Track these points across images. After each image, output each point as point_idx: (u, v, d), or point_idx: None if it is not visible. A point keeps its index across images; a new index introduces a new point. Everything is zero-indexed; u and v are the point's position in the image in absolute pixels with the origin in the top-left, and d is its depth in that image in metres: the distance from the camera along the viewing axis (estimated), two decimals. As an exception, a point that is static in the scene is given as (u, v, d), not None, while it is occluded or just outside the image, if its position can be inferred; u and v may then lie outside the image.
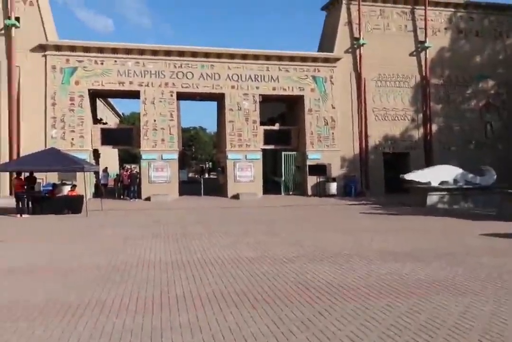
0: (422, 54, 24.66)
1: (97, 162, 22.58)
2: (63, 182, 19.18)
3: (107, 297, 5.50)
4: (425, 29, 24.41)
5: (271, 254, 8.19)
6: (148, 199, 20.67)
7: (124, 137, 21.99)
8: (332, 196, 22.09)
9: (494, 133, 25.52)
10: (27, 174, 16.26)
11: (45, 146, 18.83)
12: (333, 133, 23.07)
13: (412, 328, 4.35)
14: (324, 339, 4.10)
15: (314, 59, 23.02)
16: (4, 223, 13.58)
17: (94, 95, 22.84)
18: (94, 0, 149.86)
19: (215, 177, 39.63)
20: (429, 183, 17.87)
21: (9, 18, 19.80)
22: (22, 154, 18.80)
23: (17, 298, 5.47)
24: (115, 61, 20.99)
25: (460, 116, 24.98)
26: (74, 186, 17.27)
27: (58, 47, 20.44)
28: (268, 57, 22.54)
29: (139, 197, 21.03)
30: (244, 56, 22.28)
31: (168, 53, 21.52)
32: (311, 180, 22.70)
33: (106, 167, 24.31)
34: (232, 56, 22.18)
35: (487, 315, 4.73)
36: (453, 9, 25.45)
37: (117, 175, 25.63)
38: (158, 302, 5.25)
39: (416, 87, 24.48)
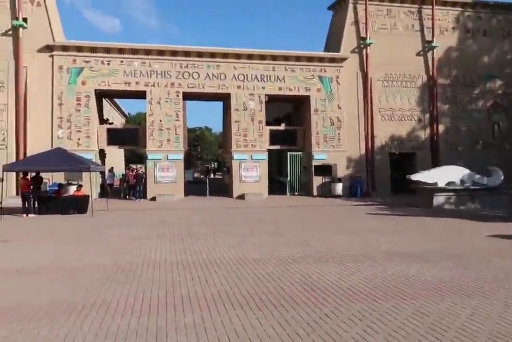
0: (429, 54, 24.51)
1: (103, 163, 22.67)
2: (69, 181, 19.26)
3: (113, 297, 5.50)
4: (433, 28, 24.26)
5: (277, 254, 8.17)
6: (153, 199, 20.71)
7: (130, 138, 22.06)
8: (338, 196, 22.01)
9: (502, 133, 25.33)
10: (33, 174, 16.35)
11: (52, 147, 18.92)
12: (339, 133, 22.99)
13: (420, 330, 4.30)
14: (330, 341, 4.07)
15: (321, 59, 22.96)
16: (10, 222, 13.66)
17: (101, 95, 22.93)
18: (102, 0, 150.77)
19: (220, 177, 39.67)
20: (436, 183, 17.74)
21: (16, 19, 19.92)
22: (28, 154, 18.91)
23: (23, 298, 5.48)
24: (122, 61, 21.06)
25: (467, 117, 24.80)
26: (80, 186, 17.34)
27: (65, 48, 20.54)
28: (274, 57, 22.51)
29: (144, 197, 21.09)
30: (250, 56, 22.27)
31: (174, 53, 21.56)
32: (317, 180, 22.64)
33: (112, 168, 24.38)
34: (238, 56, 22.18)
35: (494, 317, 4.68)
36: (460, 9, 25.27)
37: (123, 175, 25.69)
38: (163, 303, 5.25)
39: (423, 87, 24.34)
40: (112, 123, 27.46)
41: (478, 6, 25.46)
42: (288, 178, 23.47)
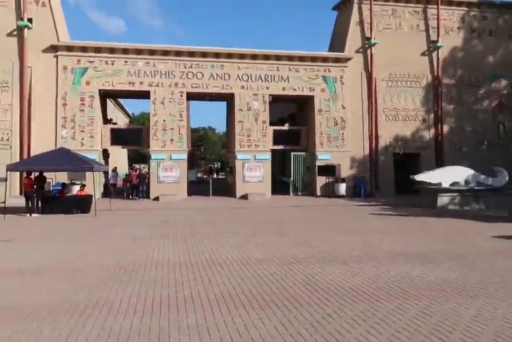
0: (434, 54, 24.41)
1: (107, 162, 22.71)
2: (73, 181, 19.30)
3: (115, 297, 5.50)
4: (438, 28, 24.16)
5: (280, 254, 8.14)
6: (156, 198, 20.73)
7: (134, 138, 22.10)
8: (341, 196, 21.95)
9: (507, 133, 25.18)
10: (37, 174, 16.40)
11: (55, 146, 18.97)
12: (343, 133, 22.94)
13: (423, 331, 4.27)
14: (334, 341, 4.05)
15: (325, 59, 22.91)
16: (13, 222, 13.70)
17: (105, 95, 22.97)
18: (106, 1, 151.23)
19: (223, 177, 39.70)
20: (440, 184, 17.66)
21: (21, 19, 19.99)
22: (32, 154, 18.95)
23: (26, 298, 5.49)
24: (126, 61, 21.10)
25: (472, 117, 24.68)
26: (83, 186, 17.36)
27: (69, 48, 20.60)
28: (278, 57, 22.48)
29: (147, 196, 21.11)
30: (254, 56, 22.25)
31: (178, 53, 21.57)
32: (320, 181, 22.59)
33: (115, 167, 24.42)
34: (242, 56, 22.16)
35: (499, 318, 4.64)
36: (466, 8, 25.15)
37: (126, 174, 25.75)
38: (166, 303, 5.24)
39: (427, 87, 24.24)
40: (115, 123, 27.50)
41: (484, 5, 25.33)
42: (292, 178, 23.44)
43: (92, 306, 5.12)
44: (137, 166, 29.45)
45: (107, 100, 25.62)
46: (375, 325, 4.43)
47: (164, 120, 21.34)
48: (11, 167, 15.59)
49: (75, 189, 17.95)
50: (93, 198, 16.10)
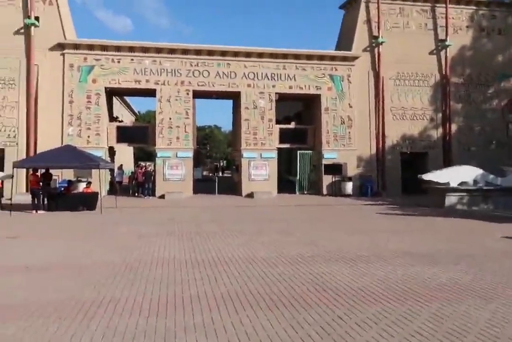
0: (442, 53, 24.18)
1: (113, 160, 22.72)
2: (79, 178, 19.31)
3: (121, 295, 5.43)
4: (446, 27, 23.91)
5: (286, 253, 8.05)
6: (162, 196, 20.69)
7: (140, 135, 22.08)
8: (348, 195, 21.81)
9: (516, 133, 24.92)
10: (43, 171, 16.40)
11: (62, 144, 18.96)
12: (349, 132, 22.79)
13: (437, 335, 4.15)
14: (344, 344, 3.95)
15: (332, 58, 22.76)
16: (19, 219, 13.71)
17: (111, 93, 22.97)
18: (113, 0, 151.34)
19: (229, 175, 39.66)
20: (448, 183, 17.46)
21: (28, 17, 20.00)
22: (38, 151, 18.97)
23: (32, 295, 5.43)
24: (132, 59, 21.06)
25: (481, 116, 24.43)
26: (89, 183, 17.36)
27: (76, 46, 20.59)
28: (285, 56, 22.35)
29: (153, 194, 21.08)
30: (261, 55, 22.14)
31: (185, 51, 21.50)
32: (327, 179, 22.46)
33: (121, 165, 24.44)
34: (248, 54, 22.05)
35: (514, 322, 4.51)
36: (475, 7, 24.89)
37: (132, 172, 25.73)
38: (172, 302, 5.16)
39: (435, 86, 24.02)
40: (122, 121, 27.55)
41: (493, 4, 25.05)
42: (298, 177, 23.32)
43: (97, 304, 5.05)
44: (143, 164, 29.40)
45: (113, 98, 25.61)
46: (387, 328, 4.32)
47: (170, 118, 21.29)
48: (17, 164, 15.62)
49: (81, 186, 17.94)
50: (99, 195, 16.08)
